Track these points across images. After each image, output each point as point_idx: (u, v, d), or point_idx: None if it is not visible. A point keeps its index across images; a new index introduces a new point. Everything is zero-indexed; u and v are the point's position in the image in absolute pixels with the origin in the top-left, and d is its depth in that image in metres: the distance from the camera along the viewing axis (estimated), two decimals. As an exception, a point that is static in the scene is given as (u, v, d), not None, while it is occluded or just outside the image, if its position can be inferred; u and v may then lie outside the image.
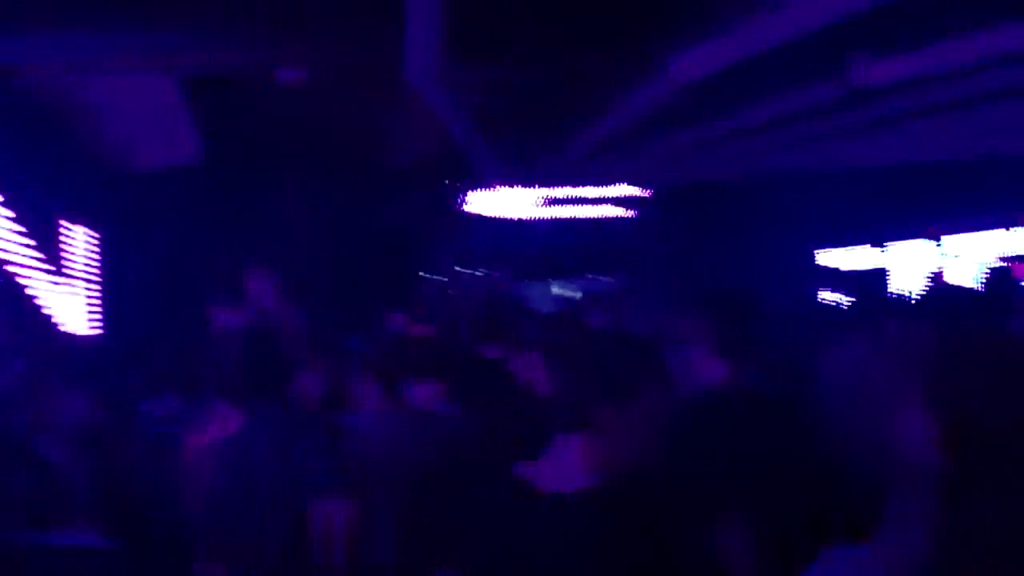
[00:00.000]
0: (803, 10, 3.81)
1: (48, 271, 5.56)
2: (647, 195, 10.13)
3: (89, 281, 6.34)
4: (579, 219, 10.79)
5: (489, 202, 9.85)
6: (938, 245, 10.27)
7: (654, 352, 1.92)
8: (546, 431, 1.89)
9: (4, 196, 4.95)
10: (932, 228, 10.21)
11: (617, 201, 10.49)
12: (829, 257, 11.24)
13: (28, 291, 5.26)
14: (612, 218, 10.83)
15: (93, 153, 6.16)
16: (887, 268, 10.63)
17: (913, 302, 5.00)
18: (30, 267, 5.30)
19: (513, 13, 4.54)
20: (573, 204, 10.36)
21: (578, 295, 12.91)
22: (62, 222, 5.92)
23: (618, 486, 1.76)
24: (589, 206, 10.45)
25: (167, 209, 6.71)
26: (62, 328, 5.67)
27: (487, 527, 1.85)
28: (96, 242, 6.49)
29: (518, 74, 5.40)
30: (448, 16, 3.95)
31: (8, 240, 5.02)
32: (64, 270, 5.88)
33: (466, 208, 9.58)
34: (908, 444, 1.13)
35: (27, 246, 5.25)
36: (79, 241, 6.20)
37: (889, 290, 8.86)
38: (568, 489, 1.76)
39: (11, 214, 5.04)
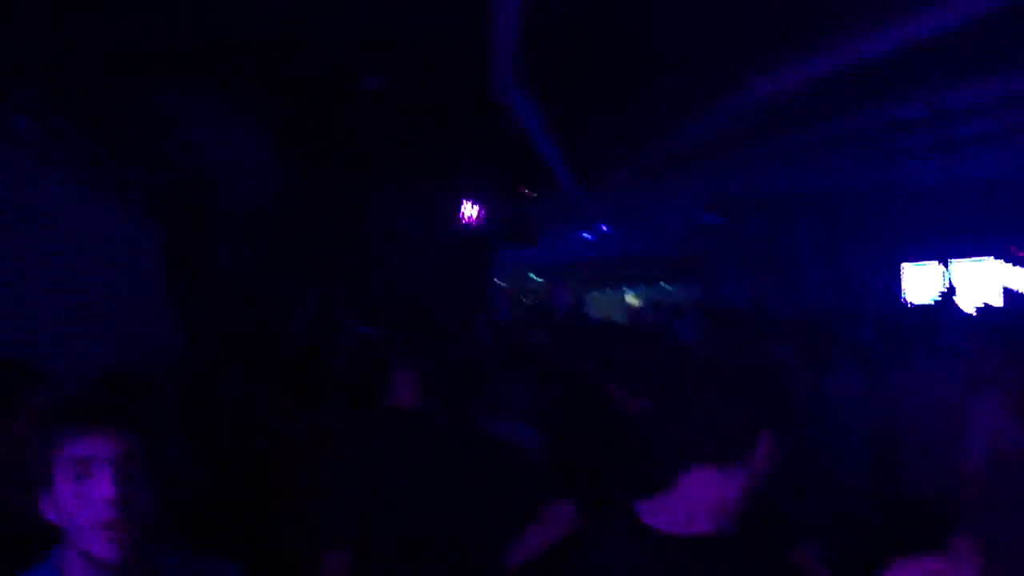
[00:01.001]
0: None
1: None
2: (722, 206, 10.11)
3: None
4: (650, 228, 10.81)
5: (567, 211, 9.96)
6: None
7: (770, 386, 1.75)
8: (645, 456, 1.78)
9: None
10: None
11: (688, 212, 10.48)
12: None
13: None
14: (684, 228, 10.82)
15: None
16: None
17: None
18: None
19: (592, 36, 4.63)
20: (646, 215, 10.39)
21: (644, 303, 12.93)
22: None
23: (751, 533, 1.59)
24: (662, 217, 10.46)
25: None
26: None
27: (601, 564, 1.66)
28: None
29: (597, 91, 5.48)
30: (531, 28, 4.05)
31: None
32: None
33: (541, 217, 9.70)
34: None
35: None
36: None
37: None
38: (690, 532, 1.58)
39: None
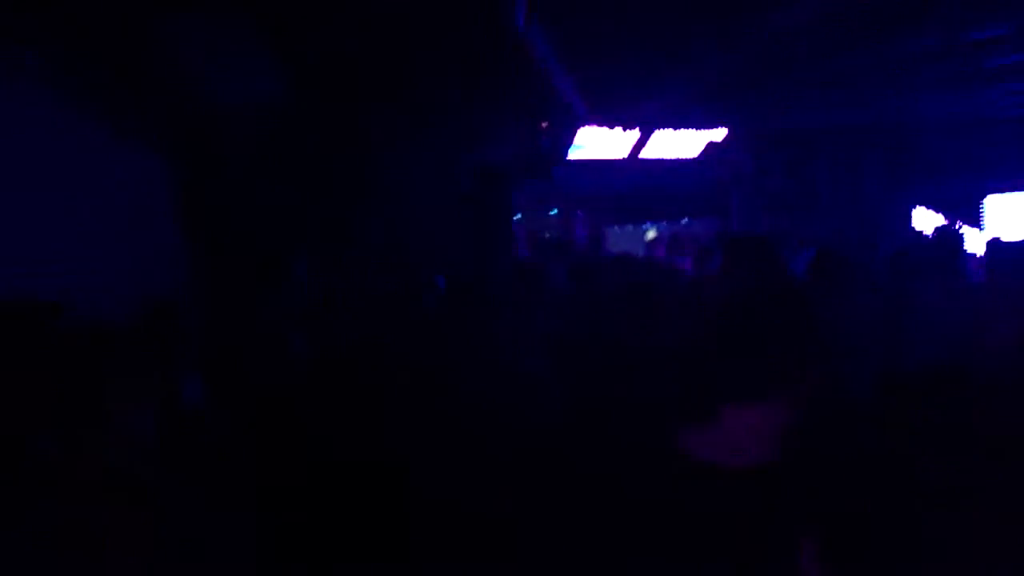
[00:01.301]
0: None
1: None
2: (744, 139, 9.95)
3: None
4: (672, 162, 10.65)
5: (585, 144, 9.83)
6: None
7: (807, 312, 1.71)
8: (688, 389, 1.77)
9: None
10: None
11: (714, 145, 10.32)
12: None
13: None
14: (705, 162, 10.67)
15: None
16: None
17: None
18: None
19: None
20: (668, 147, 10.23)
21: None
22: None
23: (794, 461, 1.59)
24: (684, 149, 10.30)
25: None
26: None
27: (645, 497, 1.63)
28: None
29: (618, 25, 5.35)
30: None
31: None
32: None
33: (561, 151, 9.59)
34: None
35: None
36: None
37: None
38: (738, 463, 1.58)
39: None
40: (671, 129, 9.54)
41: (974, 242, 6.28)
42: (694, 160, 10.66)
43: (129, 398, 1.83)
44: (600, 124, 8.91)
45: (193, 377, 3.50)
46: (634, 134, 9.76)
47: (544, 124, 8.83)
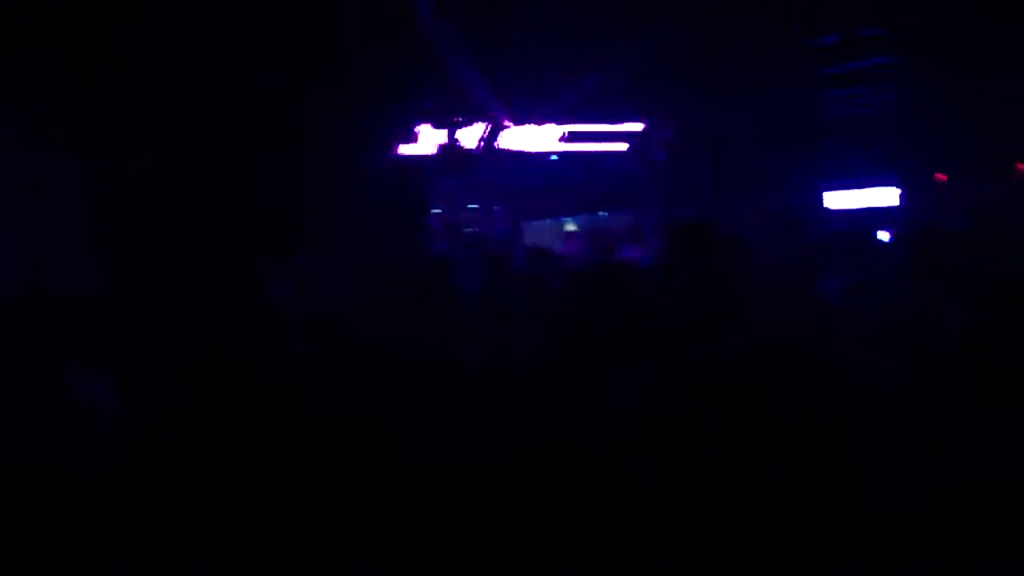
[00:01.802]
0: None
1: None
2: (654, 132, 10.24)
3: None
4: (590, 156, 10.89)
5: (503, 139, 9.98)
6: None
7: None
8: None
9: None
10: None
11: (623, 137, 10.60)
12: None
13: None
14: (622, 156, 10.93)
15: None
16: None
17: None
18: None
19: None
20: (583, 140, 10.45)
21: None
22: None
23: None
24: (597, 142, 10.55)
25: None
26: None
27: None
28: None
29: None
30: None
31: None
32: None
33: (477, 144, 9.71)
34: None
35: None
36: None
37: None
38: None
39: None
40: (585, 124, 9.76)
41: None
42: (610, 154, 10.91)
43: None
44: (516, 120, 9.07)
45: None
46: (549, 128, 9.94)
47: (460, 119, 8.96)
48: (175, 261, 5.49)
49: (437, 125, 8.76)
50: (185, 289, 4.98)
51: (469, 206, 13.41)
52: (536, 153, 10.27)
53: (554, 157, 10.83)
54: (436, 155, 9.04)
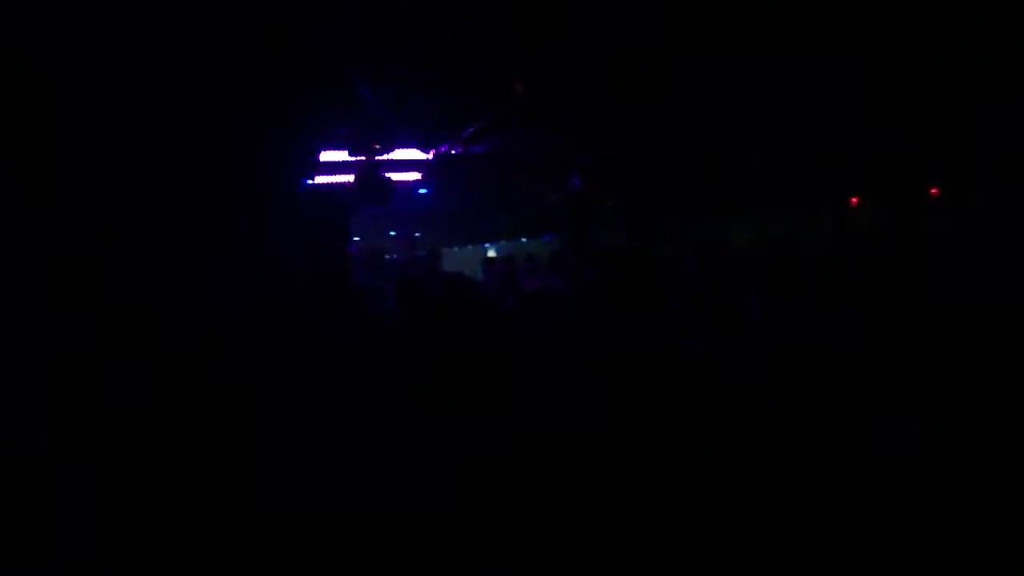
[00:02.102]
0: None
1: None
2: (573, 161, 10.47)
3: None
4: (505, 184, 11.06)
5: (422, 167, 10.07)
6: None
7: None
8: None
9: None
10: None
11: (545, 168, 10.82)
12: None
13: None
14: (538, 184, 11.15)
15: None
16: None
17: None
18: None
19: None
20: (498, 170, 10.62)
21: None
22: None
23: None
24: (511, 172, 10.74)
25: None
26: None
27: None
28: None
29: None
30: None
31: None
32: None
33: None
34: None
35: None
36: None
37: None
38: None
39: None
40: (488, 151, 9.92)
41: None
42: (525, 182, 11.10)
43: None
44: (425, 149, 9.20)
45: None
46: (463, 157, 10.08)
47: (377, 147, 9.02)
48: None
49: (353, 152, 8.82)
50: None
51: (390, 233, 13.46)
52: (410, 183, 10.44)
53: (423, 191, 11.02)
54: (353, 183, 9.09)
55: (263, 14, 5.66)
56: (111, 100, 5.49)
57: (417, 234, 13.35)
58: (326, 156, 9.06)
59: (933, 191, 10.14)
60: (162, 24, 5.21)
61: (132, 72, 5.51)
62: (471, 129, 9.13)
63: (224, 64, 6.23)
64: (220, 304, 4.93)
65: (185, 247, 6.29)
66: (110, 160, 5.60)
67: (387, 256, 12.70)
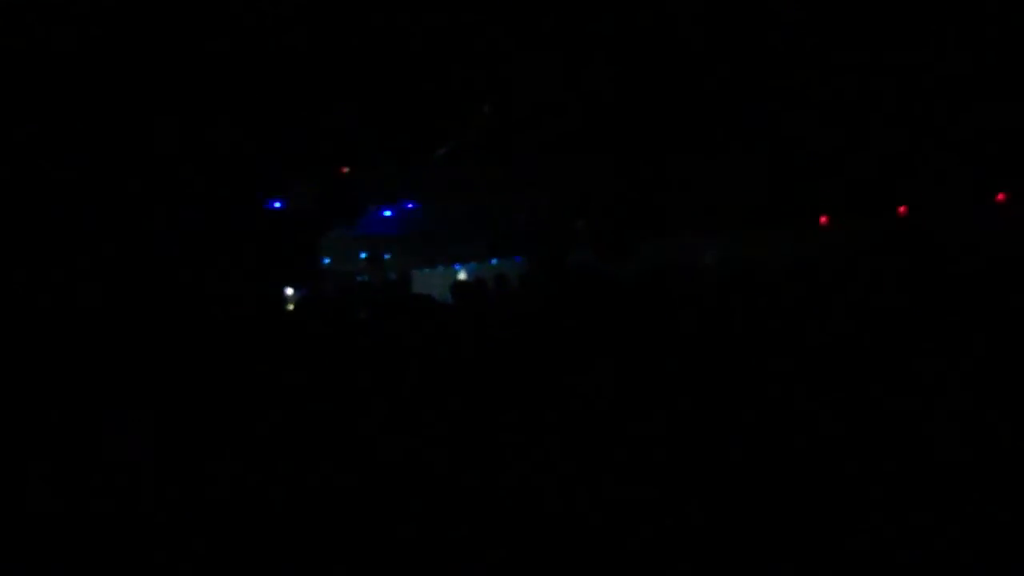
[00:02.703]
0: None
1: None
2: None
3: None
4: (475, 207, 11.12)
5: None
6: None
7: None
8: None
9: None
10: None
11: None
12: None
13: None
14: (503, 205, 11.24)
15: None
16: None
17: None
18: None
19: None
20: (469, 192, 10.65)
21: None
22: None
23: None
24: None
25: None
26: None
27: None
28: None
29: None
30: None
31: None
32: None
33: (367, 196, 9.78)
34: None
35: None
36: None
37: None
38: None
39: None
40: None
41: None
42: (494, 204, 11.15)
43: None
44: (398, 169, 9.22)
45: None
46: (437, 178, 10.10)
47: (345, 170, 9.01)
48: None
49: (321, 173, 8.80)
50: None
51: (361, 255, 13.41)
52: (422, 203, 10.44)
53: (388, 213, 11.06)
54: (323, 204, 9.06)
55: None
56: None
57: (387, 256, 13.32)
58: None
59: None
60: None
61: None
62: (442, 151, 9.16)
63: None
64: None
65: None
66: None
67: (358, 278, 12.66)
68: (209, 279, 7.26)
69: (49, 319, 4.62)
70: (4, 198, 5.33)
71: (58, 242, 5.63)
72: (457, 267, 15.26)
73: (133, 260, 6.22)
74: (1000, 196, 9.02)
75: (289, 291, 9.09)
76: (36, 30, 4.90)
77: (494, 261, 14.88)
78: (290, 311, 7.75)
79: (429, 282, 13.43)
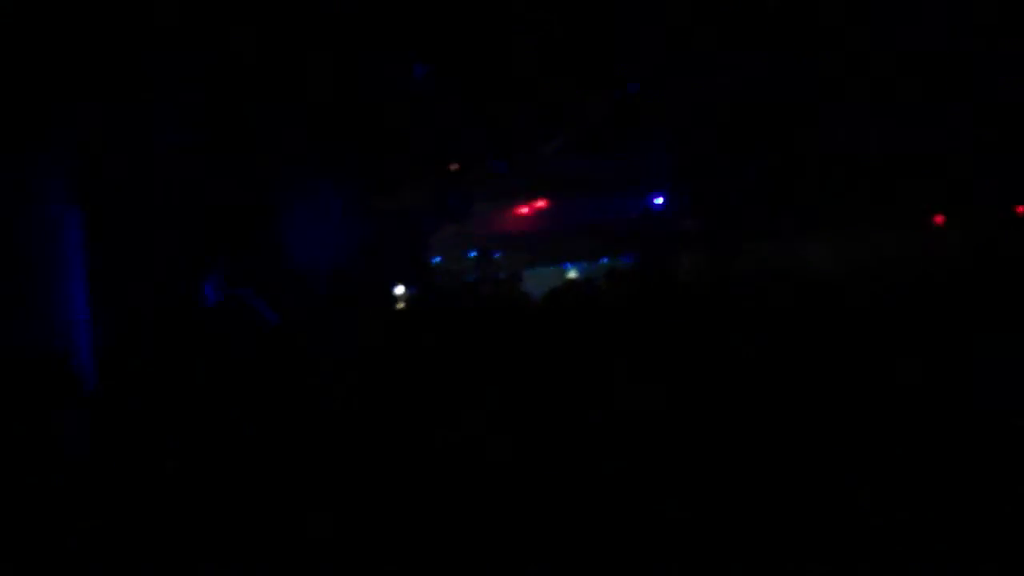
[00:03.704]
0: None
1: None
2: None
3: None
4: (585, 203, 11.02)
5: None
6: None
7: None
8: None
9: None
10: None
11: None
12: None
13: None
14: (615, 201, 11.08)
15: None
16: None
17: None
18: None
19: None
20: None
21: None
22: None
23: None
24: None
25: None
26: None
27: None
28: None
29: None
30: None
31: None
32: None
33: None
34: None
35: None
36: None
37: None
38: None
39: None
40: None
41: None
42: (606, 199, 11.03)
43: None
44: (507, 170, 9.21)
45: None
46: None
47: (455, 167, 9.07)
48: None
49: (431, 173, 8.88)
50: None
51: (470, 253, 13.50)
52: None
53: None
54: (432, 203, 9.15)
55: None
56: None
57: (496, 254, 13.35)
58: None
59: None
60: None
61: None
62: (553, 146, 9.10)
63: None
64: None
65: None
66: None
67: (465, 278, 12.74)
68: (325, 277, 7.46)
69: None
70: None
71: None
72: (567, 266, 15.18)
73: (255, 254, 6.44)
74: None
75: (400, 289, 9.20)
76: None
77: (604, 260, 14.72)
78: (399, 309, 7.85)
79: (539, 281, 13.40)
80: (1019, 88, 7.20)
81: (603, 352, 3.69)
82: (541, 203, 11.53)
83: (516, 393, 3.07)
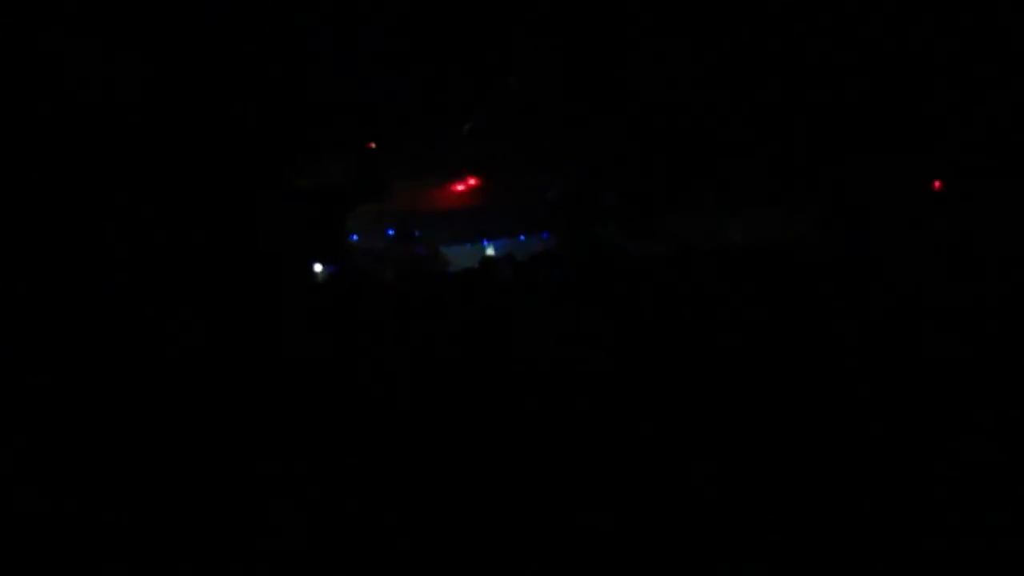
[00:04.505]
0: None
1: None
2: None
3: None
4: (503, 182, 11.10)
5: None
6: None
7: None
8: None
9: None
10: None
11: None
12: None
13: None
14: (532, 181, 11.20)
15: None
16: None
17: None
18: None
19: None
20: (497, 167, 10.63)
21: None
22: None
23: None
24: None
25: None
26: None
27: None
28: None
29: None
30: None
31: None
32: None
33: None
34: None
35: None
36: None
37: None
38: None
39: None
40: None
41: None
42: (523, 179, 11.13)
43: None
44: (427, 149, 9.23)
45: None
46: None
47: (372, 145, 9.04)
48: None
49: (349, 152, 8.83)
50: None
51: (388, 231, 13.46)
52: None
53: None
54: (349, 182, 9.10)
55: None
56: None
57: (417, 232, 13.34)
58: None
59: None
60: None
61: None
62: (468, 127, 9.14)
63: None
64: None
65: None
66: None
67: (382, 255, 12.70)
68: (235, 258, 7.34)
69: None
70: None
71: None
72: (485, 243, 15.27)
73: (157, 241, 6.28)
74: None
75: (317, 268, 9.14)
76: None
77: (522, 238, 14.86)
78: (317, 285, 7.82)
79: (458, 258, 13.45)
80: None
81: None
82: (460, 182, 11.56)
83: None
